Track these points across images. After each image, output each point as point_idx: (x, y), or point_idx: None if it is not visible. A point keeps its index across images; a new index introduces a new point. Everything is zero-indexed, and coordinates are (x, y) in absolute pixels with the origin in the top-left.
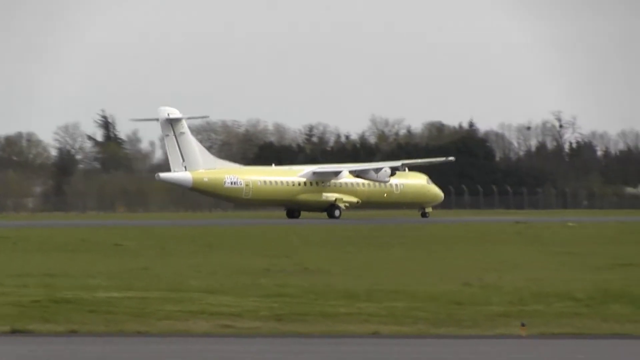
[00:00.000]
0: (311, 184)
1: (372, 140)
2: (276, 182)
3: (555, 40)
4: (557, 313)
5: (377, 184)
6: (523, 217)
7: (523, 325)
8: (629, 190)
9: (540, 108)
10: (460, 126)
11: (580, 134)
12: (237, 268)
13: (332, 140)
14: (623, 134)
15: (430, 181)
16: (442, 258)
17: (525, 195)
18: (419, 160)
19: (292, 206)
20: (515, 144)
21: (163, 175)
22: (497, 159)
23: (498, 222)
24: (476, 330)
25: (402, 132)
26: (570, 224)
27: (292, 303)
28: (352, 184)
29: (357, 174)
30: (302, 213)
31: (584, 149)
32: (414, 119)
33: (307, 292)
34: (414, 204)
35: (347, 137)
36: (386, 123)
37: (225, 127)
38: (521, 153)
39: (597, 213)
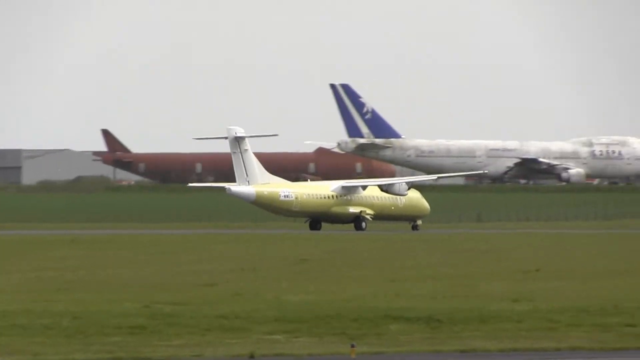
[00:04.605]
0: (340, 197)
1: None
2: (316, 195)
3: None
4: None
5: (389, 197)
6: None
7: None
8: None
9: None
10: None
11: None
12: None
13: None
14: None
15: (421, 195)
16: None
17: None
18: (454, 174)
19: (323, 218)
20: None
21: (234, 189)
22: None
23: None
24: None
25: None
26: None
27: None
28: (369, 197)
29: (385, 188)
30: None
31: None
32: None
33: None
34: (411, 216)
35: None
36: None
37: None
38: None
39: None
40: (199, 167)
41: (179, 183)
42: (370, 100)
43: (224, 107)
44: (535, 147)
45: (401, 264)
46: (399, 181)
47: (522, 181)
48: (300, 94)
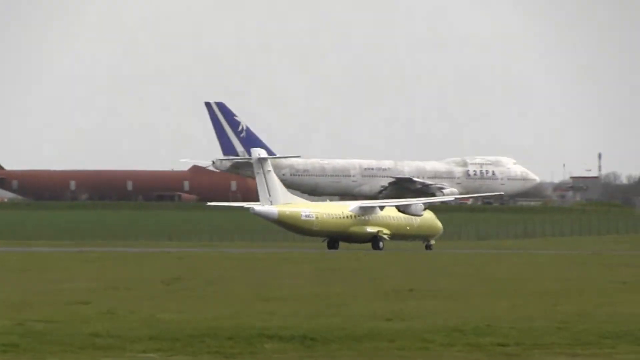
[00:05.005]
0: (358, 217)
1: None
2: (335, 215)
3: None
4: None
5: (405, 217)
6: None
7: None
8: None
9: None
10: None
11: None
12: None
13: None
14: None
15: (435, 215)
16: None
17: None
18: (473, 195)
19: (342, 238)
20: None
21: (257, 208)
22: None
23: None
24: None
25: None
26: None
27: None
28: (386, 217)
29: (402, 208)
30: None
31: None
32: None
33: None
34: (425, 236)
35: None
36: None
37: None
38: None
39: None
40: (72, 185)
41: (52, 200)
42: (245, 119)
43: (99, 122)
44: (409, 166)
45: (276, 283)
46: (416, 202)
47: None
48: (175, 111)
